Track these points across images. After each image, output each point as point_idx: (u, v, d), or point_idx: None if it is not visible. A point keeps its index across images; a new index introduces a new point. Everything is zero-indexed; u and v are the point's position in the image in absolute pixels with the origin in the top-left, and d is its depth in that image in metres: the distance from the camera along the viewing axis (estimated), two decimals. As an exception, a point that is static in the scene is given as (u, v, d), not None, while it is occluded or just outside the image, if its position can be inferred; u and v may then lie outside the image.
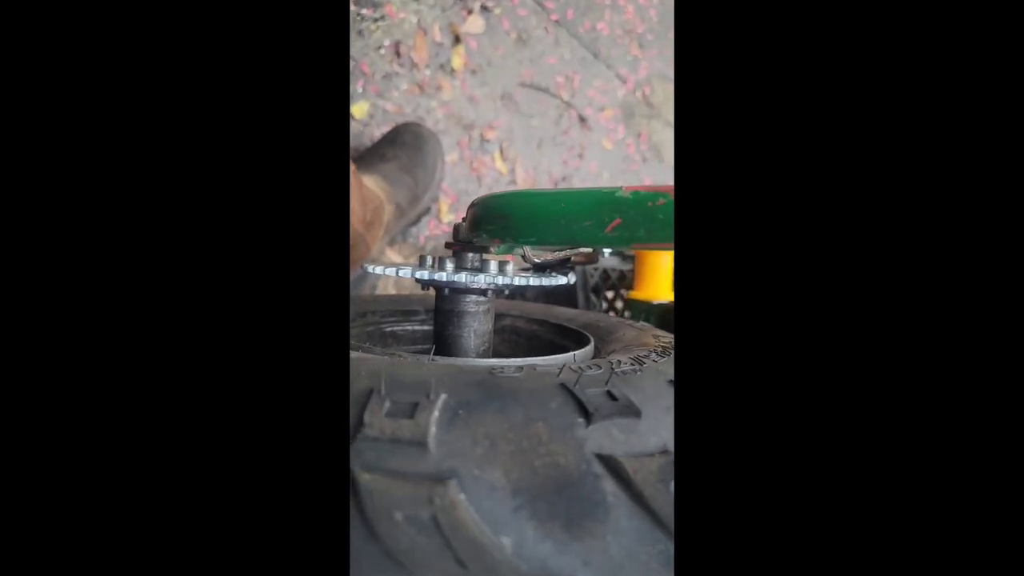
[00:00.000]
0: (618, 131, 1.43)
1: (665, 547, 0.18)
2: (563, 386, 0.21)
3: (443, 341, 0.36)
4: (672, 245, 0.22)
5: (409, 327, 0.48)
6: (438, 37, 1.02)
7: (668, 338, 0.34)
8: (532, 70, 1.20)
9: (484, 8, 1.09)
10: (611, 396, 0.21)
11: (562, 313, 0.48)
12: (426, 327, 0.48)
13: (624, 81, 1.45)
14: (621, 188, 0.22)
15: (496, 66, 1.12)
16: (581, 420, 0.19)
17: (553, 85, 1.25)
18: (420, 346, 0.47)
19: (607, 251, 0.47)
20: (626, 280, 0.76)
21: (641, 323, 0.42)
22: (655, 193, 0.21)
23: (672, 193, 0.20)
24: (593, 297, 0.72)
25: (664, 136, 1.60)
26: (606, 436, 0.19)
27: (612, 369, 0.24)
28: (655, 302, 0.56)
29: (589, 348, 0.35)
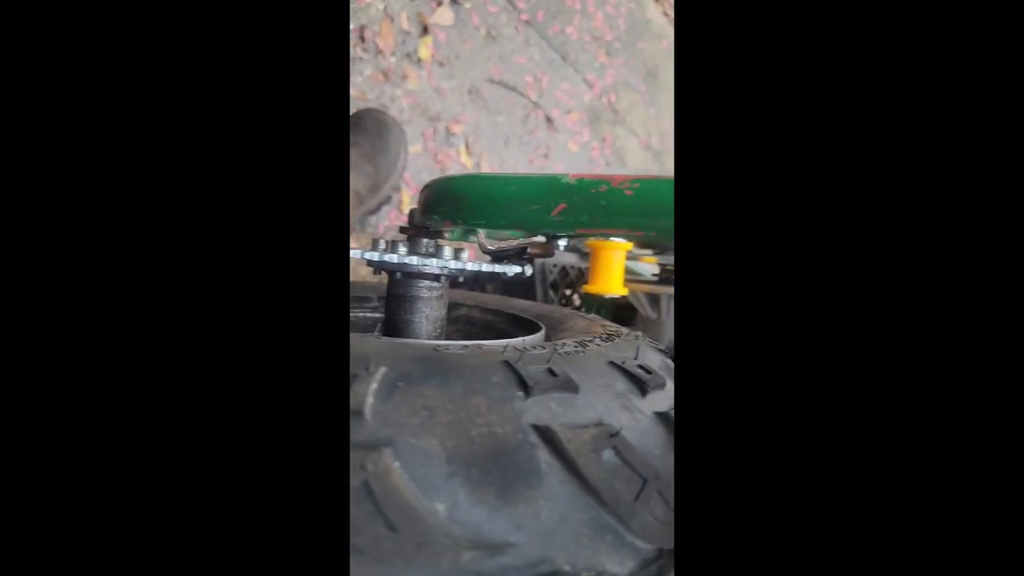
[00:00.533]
0: (583, 134, 1.46)
1: (596, 513, 0.18)
2: (506, 362, 0.21)
3: (394, 326, 0.36)
4: (614, 232, 0.23)
5: (360, 313, 0.47)
6: (405, 25, 1.00)
7: (614, 327, 0.36)
8: (501, 67, 1.20)
9: (454, 1, 1.08)
10: (551, 372, 0.21)
11: (517, 304, 0.48)
12: (378, 314, 0.47)
13: (591, 86, 1.49)
14: (567, 175, 0.23)
15: (464, 60, 1.12)
16: (520, 393, 0.20)
17: (521, 84, 1.26)
18: (371, 333, 0.46)
19: (562, 244, 0.48)
20: (584, 278, 0.78)
21: (592, 315, 0.44)
22: (598, 181, 0.22)
23: (614, 182, 0.21)
24: (551, 292, 0.74)
25: (627, 143, 1.65)
26: (544, 408, 0.20)
27: (555, 349, 0.24)
28: (607, 296, 0.57)
29: (540, 334, 0.35)
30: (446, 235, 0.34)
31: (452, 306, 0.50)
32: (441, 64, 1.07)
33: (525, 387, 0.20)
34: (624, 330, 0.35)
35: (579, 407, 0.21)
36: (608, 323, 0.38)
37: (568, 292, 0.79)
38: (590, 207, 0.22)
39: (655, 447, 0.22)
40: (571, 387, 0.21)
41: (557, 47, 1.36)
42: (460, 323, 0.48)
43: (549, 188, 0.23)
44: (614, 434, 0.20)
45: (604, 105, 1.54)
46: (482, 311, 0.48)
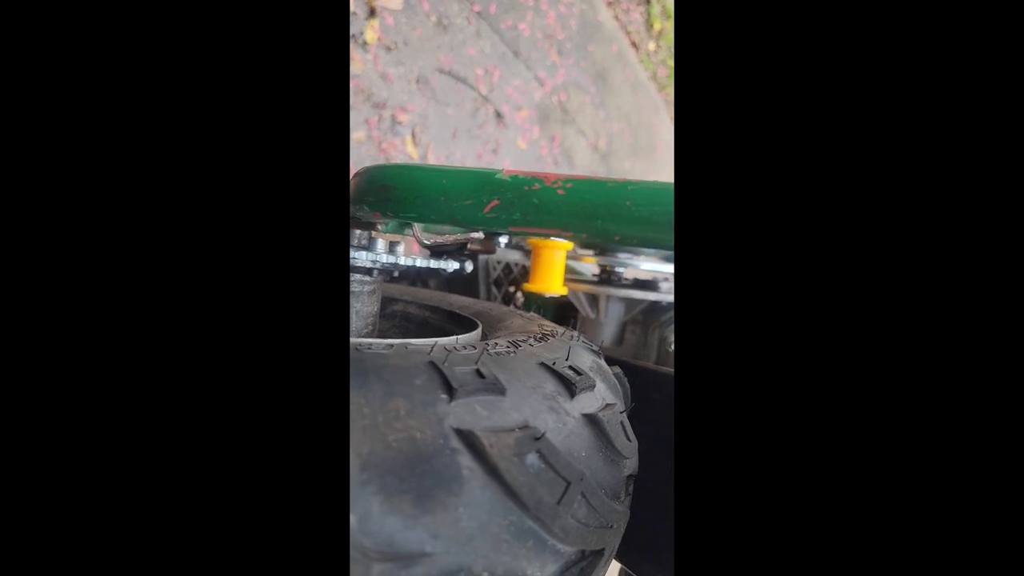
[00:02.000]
0: (533, 132, 1.47)
1: (517, 517, 0.18)
2: (432, 363, 0.20)
3: (322, 321, 0.33)
4: (546, 231, 0.23)
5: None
6: (352, 6, 0.96)
7: (551, 327, 0.36)
8: (451, 57, 1.18)
9: (404, -16, 1.04)
10: (479, 374, 0.21)
11: (456, 301, 0.47)
12: None
13: (542, 84, 1.50)
14: (501, 170, 0.22)
15: (413, 47, 1.08)
16: (444, 396, 0.19)
17: (472, 76, 1.24)
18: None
19: (503, 241, 0.47)
20: (528, 275, 0.78)
21: (530, 314, 0.44)
22: (531, 179, 0.21)
23: (547, 180, 0.21)
24: (494, 289, 0.73)
25: (576, 143, 1.68)
26: (468, 412, 0.19)
27: (486, 349, 0.24)
28: (548, 295, 0.58)
29: (476, 332, 0.35)
30: (379, 227, 0.32)
31: (388, 301, 0.48)
32: (388, 49, 1.03)
33: (450, 389, 0.19)
34: (560, 330, 0.35)
35: (505, 410, 0.20)
36: (545, 322, 0.38)
37: (512, 289, 0.79)
38: (523, 205, 0.22)
39: (581, 449, 0.22)
40: (498, 389, 0.21)
41: (509, 42, 1.36)
42: (396, 319, 0.47)
43: (482, 183, 0.22)
44: (539, 437, 0.20)
45: (554, 104, 1.56)
46: (419, 307, 0.47)
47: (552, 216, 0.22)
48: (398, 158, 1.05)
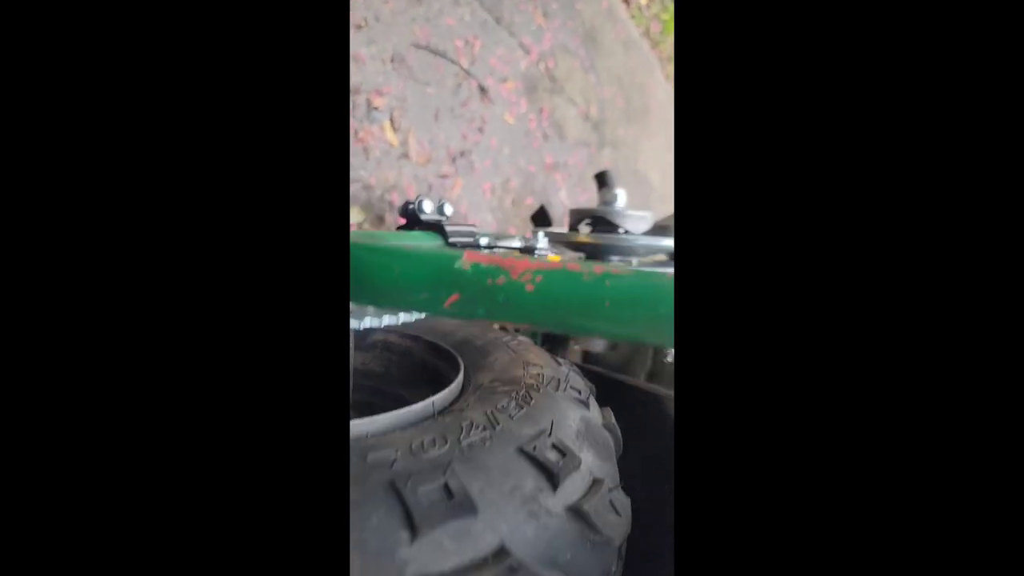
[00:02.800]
0: (520, 105, 1.40)
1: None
2: (392, 485, 0.18)
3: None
4: (516, 326, 0.20)
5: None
6: (312, -21, 0.87)
7: (538, 368, 0.34)
8: (427, 30, 1.09)
9: (369, -50, 0.95)
10: (447, 491, 0.19)
11: (439, 326, 0.45)
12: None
13: (527, 52, 1.40)
14: (462, 255, 0.19)
15: (385, 22, 1.00)
16: (406, 534, 0.17)
17: (451, 49, 1.16)
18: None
19: (484, 241, 0.44)
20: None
21: (518, 339, 0.41)
22: (496, 269, 0.18)
23: (514, 272, 0.18)
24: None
25: (566, 113, 1.60)
26: (434, 550, 0.17)
27: (459, 442, 0.22)
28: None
29: (455, 385, 0.32)
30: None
31: (368, 331, 0.45)
32: (359, 27, 0.95)
33: (412, 526, 0.17)
34: (549, 372, 0.33)
35: (476, 534, 0.18)
36: (532, 359, 0.35)
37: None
38: (486, 301, 0.19)
39: (565, 551, 0.21)
40: (468, 509, 0.18)
41: (490, 7, 1.26)
42: (377, 350, 0.45)
43: (439, 274, 0.19)
44: (516, 568, 0.18)
45: (542, 72, 1.47)
46: (400, 336, 0.44)
47: (520, 312, 0.19)
48: (377, 147, 0.99)
